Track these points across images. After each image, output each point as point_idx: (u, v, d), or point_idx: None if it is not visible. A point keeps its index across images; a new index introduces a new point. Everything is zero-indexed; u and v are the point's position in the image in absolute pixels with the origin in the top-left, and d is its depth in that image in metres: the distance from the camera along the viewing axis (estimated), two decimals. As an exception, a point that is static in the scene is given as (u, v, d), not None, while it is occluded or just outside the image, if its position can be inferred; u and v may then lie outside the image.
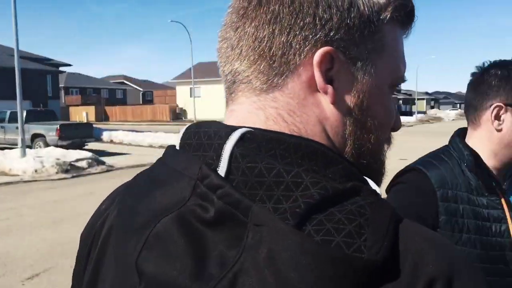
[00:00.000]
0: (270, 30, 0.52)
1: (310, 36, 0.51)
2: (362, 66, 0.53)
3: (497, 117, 1.32)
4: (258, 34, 0.52)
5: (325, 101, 0.53)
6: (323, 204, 0.44)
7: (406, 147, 19.55)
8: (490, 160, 1.34)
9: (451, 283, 0.43)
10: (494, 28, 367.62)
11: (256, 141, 0.49)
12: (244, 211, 0.45)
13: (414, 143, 21.71)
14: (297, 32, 0.51)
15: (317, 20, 0.51)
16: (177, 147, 0.55)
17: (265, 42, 0.52)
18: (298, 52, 0.52)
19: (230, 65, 0.55)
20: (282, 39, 0.51)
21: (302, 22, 0.51)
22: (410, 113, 76.97)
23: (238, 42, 0.54)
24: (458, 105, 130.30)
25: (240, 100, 0.55)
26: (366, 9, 0.53)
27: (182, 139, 0.55)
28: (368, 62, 0.54)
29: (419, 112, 73.32)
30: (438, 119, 59.85)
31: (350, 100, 0.54)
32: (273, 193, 0.45)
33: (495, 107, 1.31)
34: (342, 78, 0.53)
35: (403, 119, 52.99)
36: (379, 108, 0.56)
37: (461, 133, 1.44)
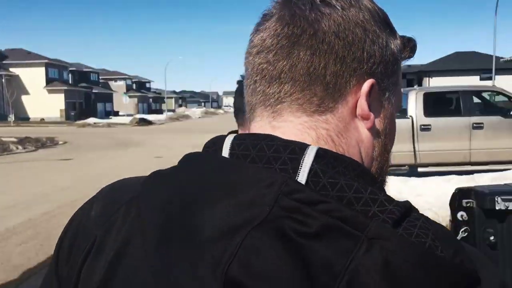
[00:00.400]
0: (326, 59, 0.57)
1: (358, 68, 0.58)
2: (388, 96, 0.62)
3: None
4: (314, 62, 0.57)
5: (361, 126, 0.60)
6: (401, 220, 0.49)
7: (160, 144, 19.85)
8: None
9: None
10: (222, 34, 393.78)
11: (326, 158, 0.53)
12: (356, 226, 0.47)
13: (166, 140, 22.18)
14: (349, 64, 0.58)
15: (365, 54, 0.58)
16: (226, 155, 0.56)
17: (319, 69, 0.57)
18: (348, 81, 0.58)
19: (278, 87, 0.59)
20: (336, 68, 0.57)
21: (353, 55, 0.58)
22: (160, 111, 78.75)
23: (291, 67, 0.58)
24: (203, 103, 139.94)
25: (287, 118, 0.59)
26: (395, 48, 0.62)
27: (234, 148, 0.56)
28: (392, 93, 0.63)
29: (169, 110, 75.89)
30: (187, 116, 63.05)
31: (379, 125, 0.62)
32: (353, 208, 0.49)
33: None
34: (375, 106, 0.61)
35: (154, 117, 53.60)
36: (393, 132, 0.66)
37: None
